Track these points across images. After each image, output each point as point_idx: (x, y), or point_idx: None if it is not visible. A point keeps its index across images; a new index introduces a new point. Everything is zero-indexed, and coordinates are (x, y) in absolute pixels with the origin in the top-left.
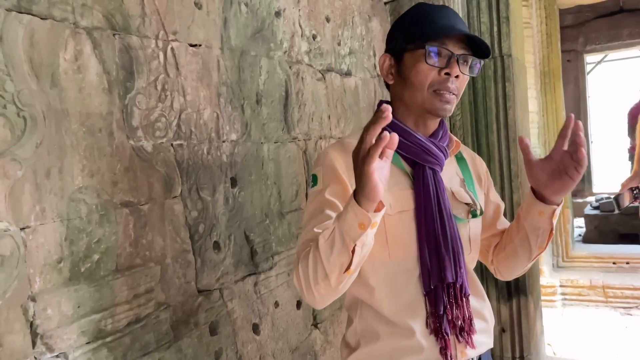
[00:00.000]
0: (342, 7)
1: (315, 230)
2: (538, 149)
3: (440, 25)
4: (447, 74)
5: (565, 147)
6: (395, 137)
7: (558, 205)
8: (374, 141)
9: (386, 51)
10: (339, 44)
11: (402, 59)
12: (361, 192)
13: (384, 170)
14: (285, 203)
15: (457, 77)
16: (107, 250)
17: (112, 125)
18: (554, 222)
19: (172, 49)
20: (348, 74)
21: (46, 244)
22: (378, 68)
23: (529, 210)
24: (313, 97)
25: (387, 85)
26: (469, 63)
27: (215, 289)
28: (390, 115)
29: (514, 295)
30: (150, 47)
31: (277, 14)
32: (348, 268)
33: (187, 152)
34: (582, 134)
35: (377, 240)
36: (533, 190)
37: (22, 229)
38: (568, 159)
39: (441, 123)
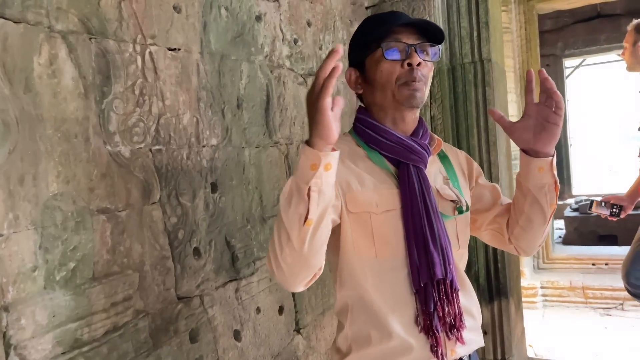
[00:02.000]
0: (324, 11)
1: None
2: (517, 152)
3: (390, 23)
4: (409, 64)
5: (536, 100)
6: (341, 99)
7: (552, 155)
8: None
9: (349, 65)
10: (320, 48)
11: (364, 66)
12: (315, 131)
13: (336, 118)
14: (267, 208)
15: (419, 65)
16: (83, 258)
17: (89, 131)
18: (555, 173)
19: (150, 53)
20: None
21: (20, 252)
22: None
23: (528, 172)
24: (295, 101)
25: (360, 97)
26: (428, 51)
27: (195, 295)
28: (342, 50)
29: (495, 297)
30: (127, 51)
31: (258, 18)
32: (306, 218)
33: (166, 157)
34: (549, 78)
35: (364, 239)
36: (524, 151)
37: None
38: (544, 109)
39: (420, 122)
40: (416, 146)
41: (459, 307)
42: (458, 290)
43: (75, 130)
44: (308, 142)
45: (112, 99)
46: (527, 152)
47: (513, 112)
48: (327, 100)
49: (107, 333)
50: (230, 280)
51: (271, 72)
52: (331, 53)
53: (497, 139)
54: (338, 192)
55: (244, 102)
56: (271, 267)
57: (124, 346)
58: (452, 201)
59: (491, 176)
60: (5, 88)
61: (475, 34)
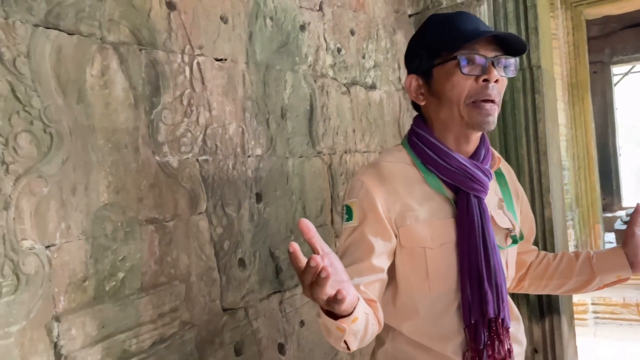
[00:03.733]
0: (367, 20)
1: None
2: (566, 162)
3: (465, 31)
4: (485, 80)
5: None
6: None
7: None
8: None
9: (410, 72)
10: (363, 57)
11: (430, 76)
12: (329, 307)
13: (337, 276)
14: (310, 219)
15: (496, 81)
16: (132, 269)
17: (138, 141)
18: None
19: (198, 63)
20: (373, 87)
21: (71, 262)
22: (403, 84)
23: (609, 268)
24: (338, 110)
25: (417, 107)
26: (504, 64)
27: (240, 307)
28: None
29: (547, 314)
30: (176, 62)
31: (302, 27)
32: (349, 348)
33: (212, 167)
34: None
35: (417, 274)
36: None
37: (47, 247)
38: None
39: (483, 139)
40: (479, 174)
41: (509, 345)
42: (509, 328)
43: (126, 140)
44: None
45: (161, 109)
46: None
47: (560, 121)
48: (326, 291)
49: (154, 344)
50: (274, 292)
51: (315, 81)
52: (293, 260)
53: (547, 148)
54: (390, 229)
55: (287, 111)
56: None
57: (170, 358)
58: (506, 229)
59: (541, 187)
60: (59, 99)
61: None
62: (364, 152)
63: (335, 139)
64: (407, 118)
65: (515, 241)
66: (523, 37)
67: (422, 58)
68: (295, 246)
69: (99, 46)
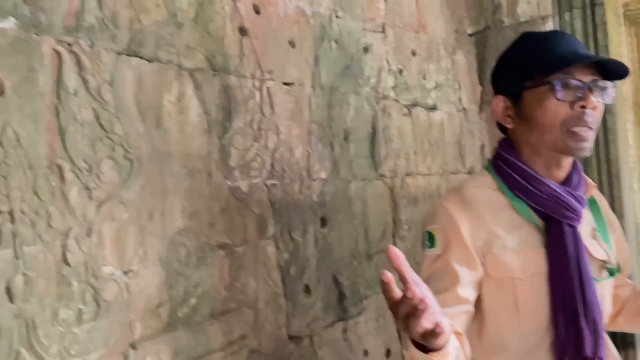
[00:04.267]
0: (428, 40)
1: None
2: (635, 185)
3: (561, 53)
4: (582, 106)
5: None
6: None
7: None
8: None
9: (497, 92)
10: (424, 78)
11: (520, 98)
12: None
13: (432, 308)
14: (372, 243)
15: (594, 108)
16: (203, 295)
17: (211, 166)
18: None
19: (267, 88)
20: (434, 108)
21: (147, 288)
22: (463, 105)
23: None
24: (399, 132)
25: (503, 128)
26: (604, 91)
27: (306, 335)
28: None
29: (621, 348)
30: (247, 87)
31: (365, 49)
32: None
33: (279, 191)
34: None
35: (506, 307)
36: None
37: (125, 272)
38: None
39: (575, 164)
40: (572, 201)
41: None
42: None
43: (199, 165)
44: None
45: (233, 134)
46: None
47: (631, 143)
48: (422, 324)
49: None
50: (338, 320)
51: (377, 103)
52: (385, 290)
53: (619, 171)
54: (476, 257)
55: (350, 134)
56: None
57: None
58: (602, 260)
59: (614, 211)
60: (139, 125)
61: None
62: (426, 174)
63: (397, 162)
64: (468, 139)
65: (611, 274)
66: None
67: (512, 79)
68: (389, 276)
69: (177, 72)
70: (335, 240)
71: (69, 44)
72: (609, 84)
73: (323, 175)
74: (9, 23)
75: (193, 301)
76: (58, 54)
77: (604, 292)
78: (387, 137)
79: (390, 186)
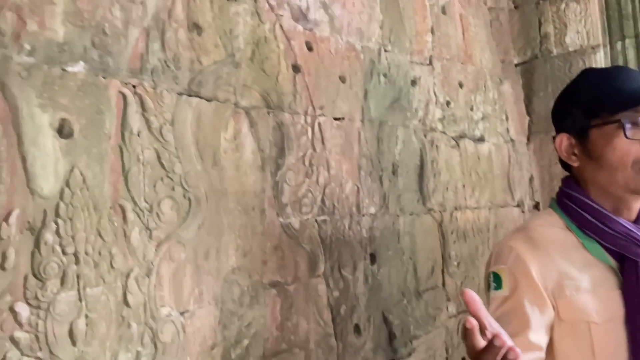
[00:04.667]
0: (474, 72)
1: None
2: None
3: (628, 90)
4: None
5: None
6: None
7: None
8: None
9: (561, 130)
10: (471, 109)
11: (586, 136)
12: None
13: None
14: (421, 280)
15: None
16: (255, 335)
17: (264, 203)
18: None
19: (319, 123)
20: (481, 139)
21: (202, 328)
22: (512, 133)
23: None
24: (447, 165)
25: (566, 167)
26: None
27: None
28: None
29: None
30: (299, 123)
31: (413, 82)
32: None
33: (330, 227)
34: None
35: (581, 353)
36: None
37: (182, 313)
38: None
39: None
40: None
41: None
42: None
43: (253, 202)
44: None
45: (286, 170)
46: None
47: None
48: None
49: None
50: None
51: (425, 135)
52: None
53: None
54: (547, 299)
55: (399, 167)
56: None
57: None
58: None
59: None
60: (198, 164)
61: None
62: (474, 208)
63: (445, 195)
64: (517, 171)
65: None
66: None
67: (577, 117)
68: (473, 322)
69: (233, 111)
70: (384, 277)
71: (134, 86)
72: None
73: (372, 210)
74: (79, 67)
75: (246, 342)
76: (123, 95)
77: None
78: (435, 170)
79: (439, 220)
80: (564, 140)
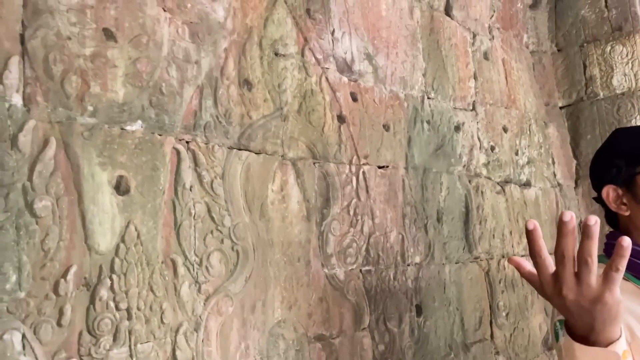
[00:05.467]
0: (519, 115)
1: None
2: None
3: None
4: None
5: None
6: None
7: None
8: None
9: (606, 182)
10: (516, 154)
11: (634, 184)
12: (590, 329)
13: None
14: (468, 332)
15: None
16: None
17: (310, 254)
18: None
19: (363, 172)
20: (527, 184)
21: None
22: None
23: None
24: (493, 211)
25: (610, 222)
26: None
27: None
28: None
29: None
30: (344, 173)
31: (457, 128)
32: None
33: (374, 278)
34: None
35: None
36: None
37: None
38: None
39: None
40: None
41: None
42: None
43: (299, 253)
44: (573, 335)
45: (331, 220)
46: None
47: None
48: (616, 291)
49: None
50: None
51: (469, 182)
52: (620, 251)
53: None
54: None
55: (443, 215)
56: None
57: None
58: None
59: None
60: (246, 216)
61: None
62: (523, 255)
63: (491, 242)
64: None
65: None
66: None
67: (621, 167)
68: (535, 223)
69: (280, 162)
70: (430, 329)
71: (187, 142)
72: None
73: (417, 259)
74: (137, 126)
75: None
76: (177, 151)
77: None
78: (480, 216)
79: (486, 269)
80: (610, 191)
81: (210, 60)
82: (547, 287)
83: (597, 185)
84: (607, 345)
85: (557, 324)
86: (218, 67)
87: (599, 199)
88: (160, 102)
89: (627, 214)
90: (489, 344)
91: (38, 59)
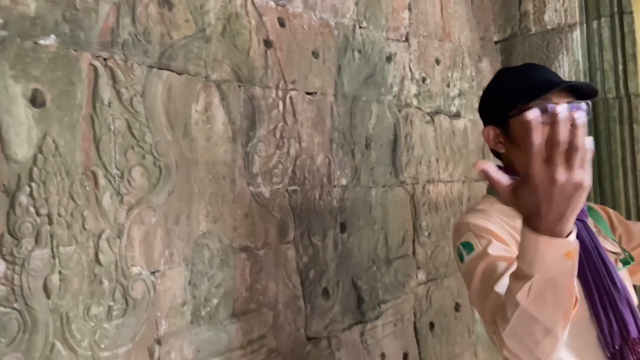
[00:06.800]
0: (452, 49)
1: (498, 290)
2: None
3: (537, 82)
4: None
5: None
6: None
7: None
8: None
9: (487, 123)
10: (448, 86)
11: (507, 125)
12: (560, 217)
13: None
14: (392, 249)
15: None
16: (225, 295)
17: (235, 173)
18: None
19: (290, 97)
20: (457, 115)
21: (172, 287)
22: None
23: None
24: (421, 140)
25: (496, 154)
26: (576, 109)
27: (323, 337)
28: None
29: None
30: (271, 97)
31: (388, 58)
32: (576, 304)
33: (300, 197)
34: None
35: None
36: None
37: (152, 272)
38: None
39: None
40: None
41: None
42: None
43: (224, 172)
44: (538, 229)
45: (256, 142)
46: None
47: None
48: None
49: None
50: (356, 323)
51: (399, 111)
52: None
53: None
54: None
55: (372, 142)
56: None
57: None
58: (614, 253)
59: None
60: (168, 134)
61: (620, 67)
62: (447, 181)
63: (418, 169)
64: None
65: (625, 263)
66: (620, 64)
67: (498, 110)
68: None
69: (204, 84)
70: (354, 245)
71: (105, 59)
72: (583, 104)
73: (343, 181)
74: (51, 40)
75: (215, 301)
76: (94, 68)
77: (624, 281)
78: (408, 144)
79: (411, 193)
80: (490, 131)
81: None
82: (538, 175)
83: (484, 124)
84: (566, 236)
85: (460, 246)
86: None
87: None
88: (74, 18)
89: (503, 151)
90: (411, 260)
91: None
